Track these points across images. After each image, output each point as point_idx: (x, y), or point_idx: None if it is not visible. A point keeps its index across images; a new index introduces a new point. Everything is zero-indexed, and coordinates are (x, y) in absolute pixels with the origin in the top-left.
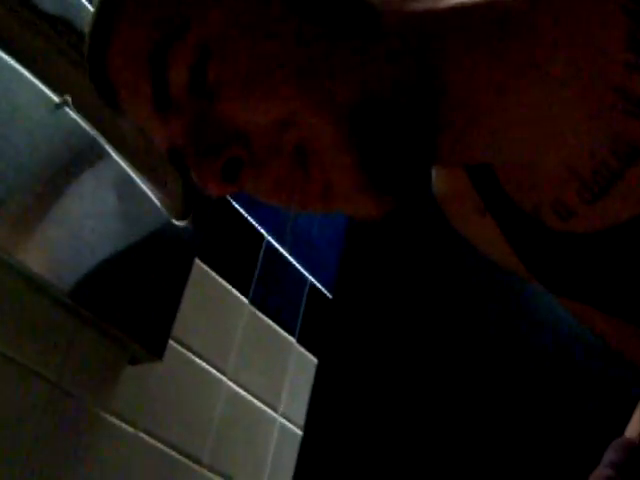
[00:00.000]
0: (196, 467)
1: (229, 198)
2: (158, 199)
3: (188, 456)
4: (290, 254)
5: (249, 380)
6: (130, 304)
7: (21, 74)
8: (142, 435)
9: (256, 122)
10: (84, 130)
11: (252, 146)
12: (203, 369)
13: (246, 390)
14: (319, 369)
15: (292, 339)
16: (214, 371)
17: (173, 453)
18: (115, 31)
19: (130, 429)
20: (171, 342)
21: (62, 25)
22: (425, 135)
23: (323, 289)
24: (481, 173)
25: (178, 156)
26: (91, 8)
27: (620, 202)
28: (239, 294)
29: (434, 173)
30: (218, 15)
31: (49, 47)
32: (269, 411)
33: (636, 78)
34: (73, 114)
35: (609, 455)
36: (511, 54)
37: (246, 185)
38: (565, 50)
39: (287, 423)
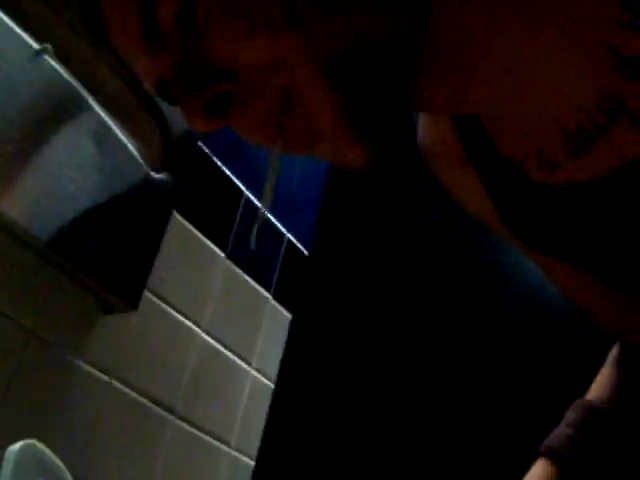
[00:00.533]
0: (169, 416)
1: (208, 152)
2: (137, 150)
3: (161, 405)
4: (268, 210)
5: (223, 333)
6: (107, 254)
7: (1, 20)
8: (116, 383)
9: (244, 60)
10: (64, 79)
11: (239, 83)
12: (178, 321)
13: (220, 343)
14: (293, 325)
15: (267, 294)
16: (189, 323)
17: (146, 402)
18: None
19: (104, 377)
20: (147, 293)
21: None
22: (409, 79)
23: (300, 246)
24: (467, 123)
25: (166, 90)
26: None
27: (602, 157)
28: (216, 248)
29: (420, 123)
30: None
31: None
32: (242, 364)
33: (629, 37)
34: (53, 62)
35: (569, 415)
36: (502, 2)
37: (234, 120)
38: (560, 3)
39: (259, 376)
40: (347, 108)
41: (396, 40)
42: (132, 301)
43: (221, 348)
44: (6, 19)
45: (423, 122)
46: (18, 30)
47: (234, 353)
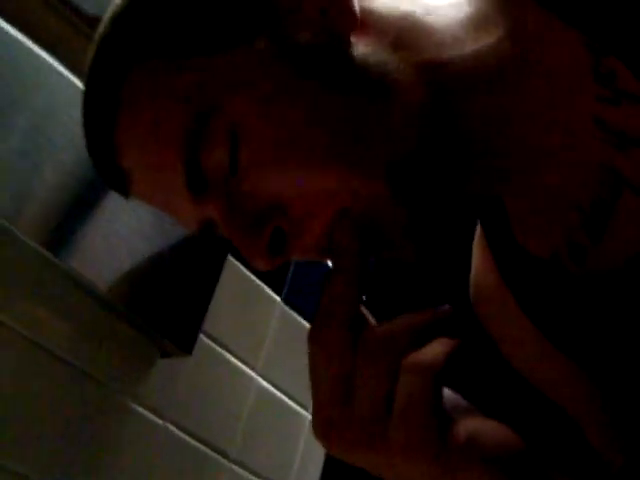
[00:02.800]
0: (224, 462)
1: None
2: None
3: (216, 450)
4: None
5: (279, 377)
6: (163, 299)
7: (60, 72)
8: (170, 427)
9: (290, 194)
10: None
11: (289, 215)
12: (233, 365)
13: (276, 387)
14: None
15: None
16: (244, 367)
17: (201, 446)
18: (125, 113)
19: (159, 421)
20: (203, 338)
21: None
22: (459, 176)
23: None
24: (499, 236)
25: (212, 231)
26: None
27: (619, 235)
28: (272, 292)
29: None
30: (244, 96)
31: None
32: (298, 408)
33: (609, 110)
34: None
35: None
36: (502, 98)
37: (294, 254)
38: (545, 89)
39: None
40: (414, 216)
41: (440, 142)
42: (186, 346)
43: (277, 392)
44: (65, 71)
45: (473, 275)
46: (76, 81)
47: (290, 397)
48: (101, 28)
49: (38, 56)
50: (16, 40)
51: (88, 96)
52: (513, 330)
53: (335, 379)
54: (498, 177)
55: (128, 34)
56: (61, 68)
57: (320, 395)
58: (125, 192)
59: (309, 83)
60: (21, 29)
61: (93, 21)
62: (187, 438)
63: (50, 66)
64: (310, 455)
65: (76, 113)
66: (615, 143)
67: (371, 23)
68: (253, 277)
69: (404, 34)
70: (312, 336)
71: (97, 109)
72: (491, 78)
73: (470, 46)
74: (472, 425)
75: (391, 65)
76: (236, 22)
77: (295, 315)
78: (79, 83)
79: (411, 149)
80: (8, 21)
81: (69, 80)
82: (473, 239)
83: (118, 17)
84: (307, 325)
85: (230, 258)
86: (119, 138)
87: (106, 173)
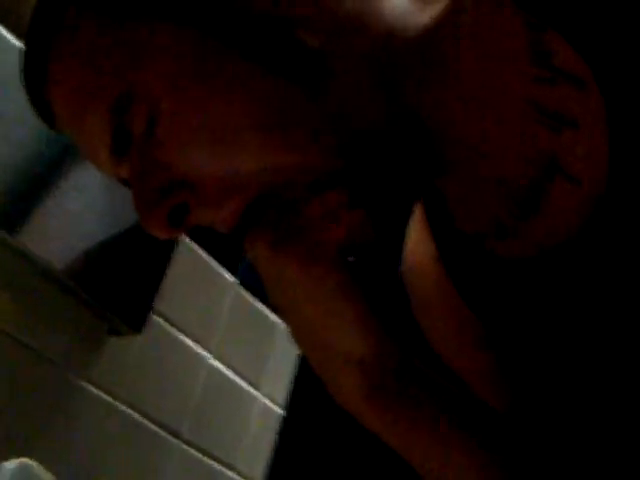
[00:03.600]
0: (174, 441)
1: None
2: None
3: (167, 429)
4: None
5: (232, 357)
6: (113, 277)
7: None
8: (121, 406)
9: (209, 172)
10: None
11: (201, 192)
12: (186, 345)
13: (229, 367)
14: None
15: (278, 320)
16: (197, 347)
17: (152, 426)
18: (56, 71)
19: (109, 399)
20: (155, 317)
21: None
22: (404, 160)
23: None
24: (436, 209)
25: (126, 184)
26: None
27: (549, 221)
28: (226, 273)
29: (405, 253)
30: (170, 65)
31: None
32: (251, 389)
33: (544, 90)
34: None
35: None
36: (438, 77)
37: (193, 225)
38: (480, 69)
39: (268, 402)
40: (361, 196)
41: (385, 126)
42: (136, 325)
43: (230, 373)
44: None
45: (408, 249)
46: None
47: (243, 378)
48: None
49: None
50: None
51: (27, 39)
52: (443, 311)
53: None
54: (433, 160)
55: None
56: (9, 37)
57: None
58: (52, 125)
59: (246, 64)
60: None
61: None
62: (138, 417)
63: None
64: (261, 435)
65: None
66: (550, 125)
67: (318, 6)
68: (208, 257)
69: (349, 16)
70: None
71: (32, 53)
72: (428, 54)
73: (415, 22)
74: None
75: (332, 50)
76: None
77: (250, 297)
78: None
79: (362, 133)
80: None
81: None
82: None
83: None
84: (262, 307)
85: (183, 237)
86: (50, 84)
87: (37, 108)
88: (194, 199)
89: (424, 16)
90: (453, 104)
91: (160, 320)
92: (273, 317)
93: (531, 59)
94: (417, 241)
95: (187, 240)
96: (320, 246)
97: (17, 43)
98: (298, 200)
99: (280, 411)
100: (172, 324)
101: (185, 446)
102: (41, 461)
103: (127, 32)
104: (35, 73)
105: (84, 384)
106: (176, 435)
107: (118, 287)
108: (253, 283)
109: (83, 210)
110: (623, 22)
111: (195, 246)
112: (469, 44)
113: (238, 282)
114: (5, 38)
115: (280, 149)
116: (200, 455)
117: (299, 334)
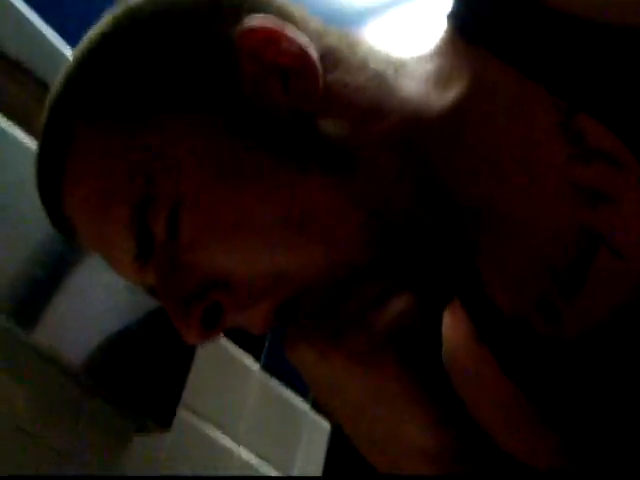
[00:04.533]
0: None
1: None
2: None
3: None
4: None
5: (261, 448)
6: (138, 374)
7: (17, 138)
8: None
9: (234, 272)
10: None
11: (234, 290)
12: (214, 437)
13: (258, 456)
14: (332, 435)
15: (305, 405)
16: (225, 439)
17: None
18: (71, 184)
19: None
20: (181, 410)
21: None
22: (441, 241)
23: None
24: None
25: (154, 293)
26: None
27: (594, 297)
28: (250, 360)
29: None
30: (190, 168)
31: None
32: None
33: (579, 168)
34: None
35: None
36: (468, 161)
37: (228, 326)
38: (512, 150)
39: None
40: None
41: (415, 209)
42: (165, 422)
43: (260, 462)
44: (26, 139)
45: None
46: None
47: (274, 466)
48: (53, 89)
49: (5, 131)
50: None
51: (39, 155)
52: (490, 392)
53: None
54: (469, 241)
55: (75, 93)
56: (28, 142)
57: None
58: (73, 242)
59: (265, 159)
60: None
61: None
62: None
63: (17, 140)
64: None
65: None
66: (587, 202)
67: (334, 94)
68: (229, 345)
69: (368, 101)
70: None
71: (45, 168)
72: (454, 137)
73: (434, 105)
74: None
75: (355, 138)
76: (190, 91)
77: (274, 382)
78: None
79: (390, 218)
80: None
81: (28, 148)
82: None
83: (68, 77)
84: (286, 391)
85: None
86: (66, 196)
87: (57, 225)
88: (227, 299)
89: (446, 98)
90: (487, 183)
91: (187, 414)
92: (298, 403)
93: (563, 139)
94: (454, 323)
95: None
96: (370, 343)
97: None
98: (334, 296)
99: None
100: (199, 417)
101: None
102: None
103: (140, 132)
104: (50, 189)
105: None
106: None
107: (144, 384)
108: (277, 367)
109: (104, 307)
110: None
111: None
112: (497, 124)
113: (261, 368)
114: (25, 144)
115: (311, 245)
116: None
117: (358, 434)
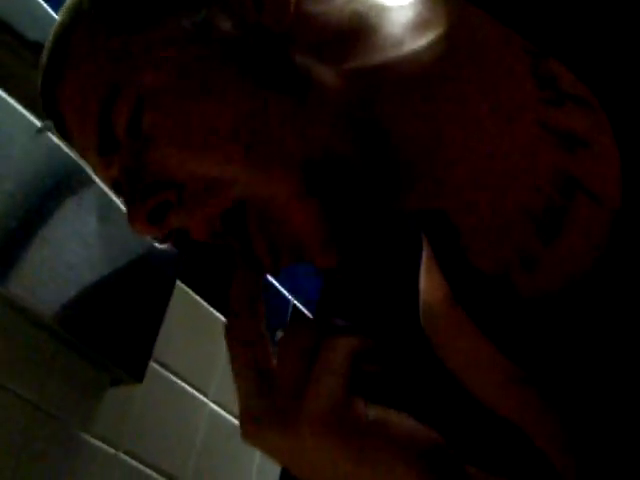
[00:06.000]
0: None
1: None
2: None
3: (170, 477)
4: (273, 277)
5: (233, 402)
6: (111, 327)
7: (3, 99)
8: (124, 456)
9: (191, 175)
10: (66, 154)
11: (184, 192)
12: (185, 391)
13: (228, 412)
14: None
15: None
16: (196, 393)
17: (155, 475)
18: (65, 77)
19: (112, 450)
20: (153, 364)
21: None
22: (380, 186)
23: (306, 311)
24: (449, 251)
25: (121, 190)
26: None
27: (572, 242)
28: (221, 316)
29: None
30: (154, 70)
31: (31, 73)
32: None
33: (552, 111)
34: (55, 139)
35: None
36: (440, 102)
37: (173, 225)
38: (485, 93)
39: None
40: (324, 215)
41: (362, 148)
42: (137, 374)
43: (229, 417)
44: (8, 98)
45: (422, 293)
46: (20, 108)
47: None
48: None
49: None
50: None
51: (44, 63)
52: (465, 346)
53: (251, 370)
54: (437, 190)
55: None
56: (5, 96)
57: (241, 388)
58: (66, 136)
59: (228, 71)
60: None
61: (35, 47)
62: (140, 466)
63: None
64: (263, 478)
65: (18, 140)
66: (562, 145)
67: (310, 25)
68: (202, 301)
69: (342, 38)
70: (227, 329)
71: (48, 61)
72: (425, 80)
73: (407, 48)
74: (386, 411)
75: (318, 69)
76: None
77: None
78: (25, 112)
79: (330, 152)
80: None
81: (14, 108)
82: (411, 250)
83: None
84: None
85: (179, 283)
86: (58, 92)
87: (51, 117)
88: (176, 198)
89: (418, 41)
90: (460, 130)
91: (158, 367)
92: None
93: (535, 83)
94: (431, 285)
95: (183, 285)
96: (334, 401)
97: (14, 103)
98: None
99: None
100: (170, 371)
101: None
102: None
103: (132, 39)
104: (49, 78)
105: (86, 437)
106: None
107: (117, 337)
108: None
109: (78, 260)
110: (621, 43)
111: (191, 291)
112: (469, 67)
113: None
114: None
115: (254, 158)
116: None
117: None
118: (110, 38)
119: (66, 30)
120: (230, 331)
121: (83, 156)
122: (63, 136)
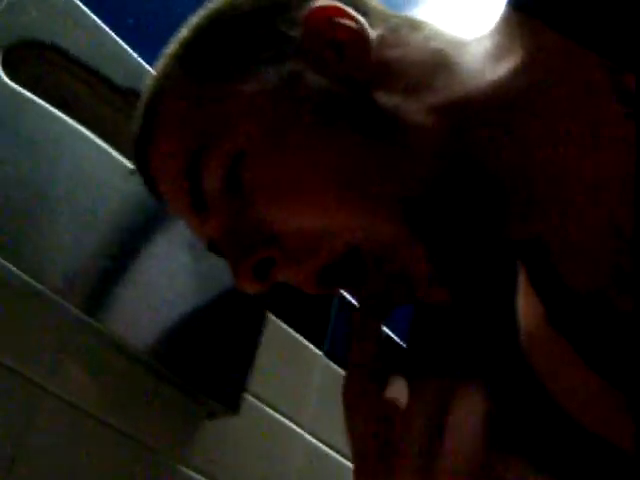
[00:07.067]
0: None
1: None
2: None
3: None
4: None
5: (327, 433)
6: (206, 360)
7: (96, 143)
8: None
9: (293, 229)
10: None
11: (287, 246)
12: (280, 422)
13: (324, 443)
14: None
15: None
16: (291, 424)
17: None
18: (155, 138)
19: None
20: (247, 396)
21: (133, 96)
22: (481, 217)
23: (397, 339)
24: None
25: (218, 249)
26: None
27: None
28: (313, 346)
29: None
30: (248, 124)
31: (122, 117)
32: (349, 464)
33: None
34: None
35: None
36: (527, 128)
37: (279, 280)
38: (572, 114)
39: None
40: (432, 257)
41: (457, 182)
42: (233, 405)
43: (325, 448)
44: (100, 142)
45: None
46: (112, 151)
47: (339, 453)
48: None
49: (77, 130)
50: (55, 117)
51: (137, 128)
52: (570, 379)
53: (370, 435)
54: (535, 213)
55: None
56: (98, 140)
57: (358, 454)
58: (159, 198)
59: (318, 120)
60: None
61: (125, 93)
62: None
63: (88, 139)
64: None
65: (111, 181)
66: None
67: (391, 68)
68: (293, 332)
69: (424, 76)
70: (345, 393)
71: (140, 123)
72: (510, 108)
73: (488, 78)
74: (525, 472)
75: (404, 108)
76: (255, 52)
77: (338, 368)
78: (117, 155)
79: (429, 189)
80: (46, 99)
81: (104, 150)
82: (516, 282)
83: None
84: None
85: (269, 315)
86: (149, 154)
87: (145, 181)
88: (280, 253)
89: (499, 70)
90: (546, 150)
91: (252, 399)
92: None
93: (618, 99)
94: (528, 307)
95: (274, 317)
96: None
97: (105, 146)
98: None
99: None
100: (265, 403)
101: None
102: None
103: (223, 88)
104: (141, 141)
105: (184, 469)
106: None
107: (211, 370)
108: (340, 353)
109: (170, 292)
110: None
111: (282, 322)
112: (552, 90)
113: (324, 354)
114: (95, 143)
115: (353, 205)
116: None
117: None
118: (199, 88)
119: (157, 92)
120: (348, 395)
121: (179, 215)
122: (157, 199)
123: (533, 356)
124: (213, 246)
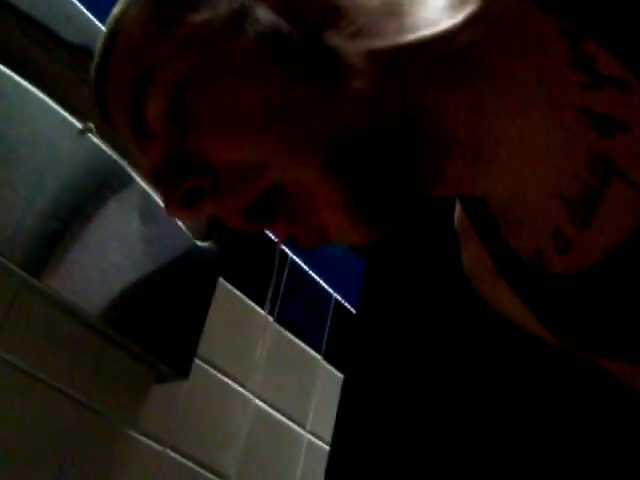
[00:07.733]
0: None
1: None
2: (182, 221)
3: (215, 472)
4: (314, 271)
5: (275, 397)
6: (156, 324)
7: (45, 102)
8: (169, 452)
9: (225, 160)
10: (107, 155)
11: (218, 178)
12: (229, 387)
13: (272, 407)
14: (345, 385)
15: (318, 355)
16: (240, 388)
17: (200, 470)
18: (110, 63)
19: (158, 447)
20: (197, 361)
21: (84, 54)
22: (409, 165)
23: (348, 305)
24: (488, 228)
25: (160, 179)
26: None
27: (606, 225)
28: (264, 312)
29: (462, 254)
30: (193, 53)
31: (72, 76)
32: (296, 428)
33: (590, 95)
34: (96, 140)
35: None
36: (478, 82)
37: (206, 211)
38: (522, 77)
39: (314, 439)
40: (353, 200)
41: (384, 128)
42: (183, 370)
43: (274, 412)
44: (50, 101)
45: (463, 252)
46: (61, 111)
47: (287, 417)
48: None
49: (20, 87)
50: (3, 75)
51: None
52: (511, 308)
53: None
54: (473, 173)
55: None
56: (47, 99)
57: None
58: (114, 127)
59: (260, 55)
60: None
61: (75, 50)
62: (186, 462)
63: (37, 98)
64: (308, 474)
65: (60, 141)
66: (601, 129)
67: (342, 12)
68: (244, 297)
69: (376, 22)
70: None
71: (98, 62)
72: (462, 59)
73: (441, 27)
74: None
75: (346, 51)
76: None
77: (288, 333)
78: (66, 114)
79: (356, 132)
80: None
81: (53, 110)
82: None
83: None
84: (300, 343)
85: (221, 280)
86: (104, 84)
87: (102, 109)
88: (210, 183)
89: (454, 20)
90: (494, 109)
91: (202, 363)
92: (312, 352)
93: (574, 65)
94: (475, 255)
95: (225, 282)
96: None
97: (54, 106)
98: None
99: (326, 447)
100: (214, 367)
101: None
102: None
103: (168, 18)
104: (98, 69)
105: (133, 433)
106: (224, 477)
107: (162, 334)
108: (289, 318)
109: (122, 259)
110: None
111: (231, 287)
112: (506, 46)
113: (274, 320)
114: (44, 102)
115: (279, 142)
116: None
117: None
118: (156, 13)
119: (119, 16)
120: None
121: (128, 142)
122: (107, 122)
123: (477, 287)
124: (158, 178)
